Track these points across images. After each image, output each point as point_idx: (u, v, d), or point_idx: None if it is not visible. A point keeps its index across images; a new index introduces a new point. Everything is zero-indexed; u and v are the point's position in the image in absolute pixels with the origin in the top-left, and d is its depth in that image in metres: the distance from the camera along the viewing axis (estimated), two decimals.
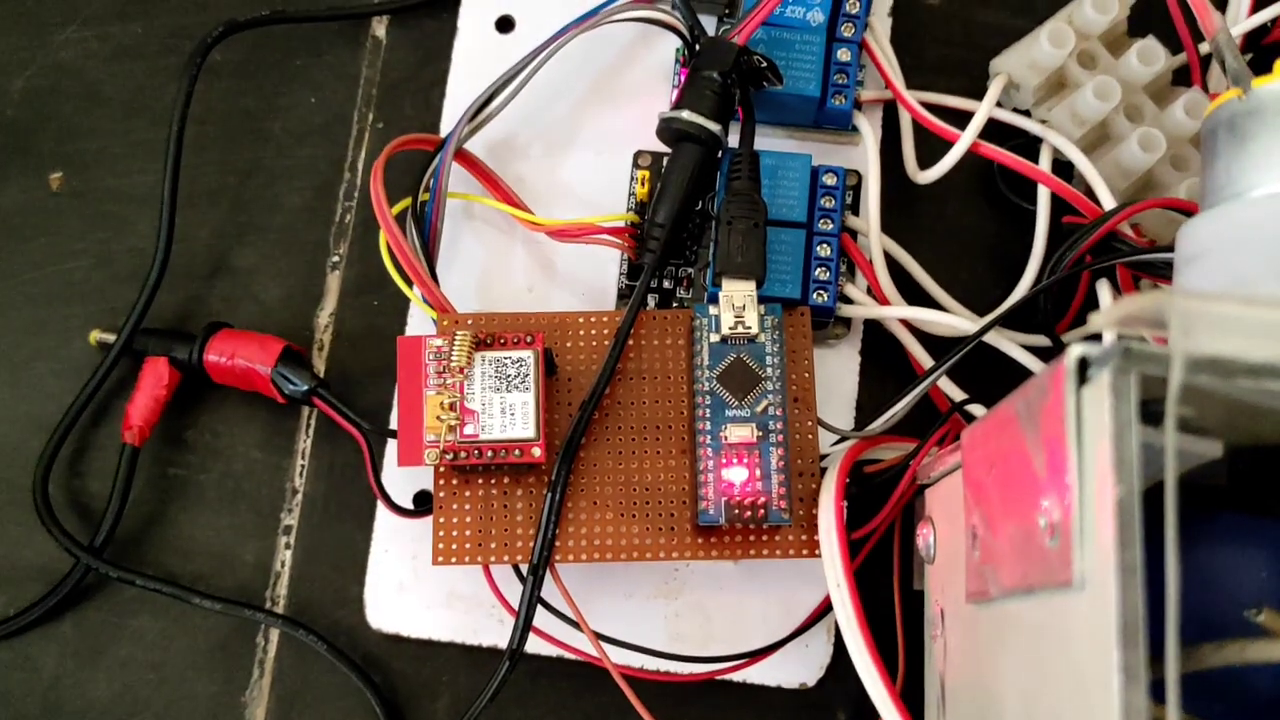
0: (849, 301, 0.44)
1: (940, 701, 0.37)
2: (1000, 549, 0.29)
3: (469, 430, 0.38)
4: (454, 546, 0.39)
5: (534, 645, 0.41)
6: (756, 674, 0.42)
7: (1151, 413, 0.24)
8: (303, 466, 0.45)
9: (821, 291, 0.42)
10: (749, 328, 0.40)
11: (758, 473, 0.39)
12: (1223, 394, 0.23)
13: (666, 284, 0.44)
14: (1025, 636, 0.28)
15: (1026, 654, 0.28)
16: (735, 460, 0.39)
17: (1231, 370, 0.22)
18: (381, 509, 0.43)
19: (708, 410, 0.40)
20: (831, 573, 0.37)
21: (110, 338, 0.44)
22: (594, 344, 0.41)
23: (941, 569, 0.37)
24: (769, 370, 0.40)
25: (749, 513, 0.38)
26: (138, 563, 0.44)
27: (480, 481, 0.40)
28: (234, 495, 0.44)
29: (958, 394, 0.43)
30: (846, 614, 0.36)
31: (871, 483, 0.42)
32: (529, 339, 0.39)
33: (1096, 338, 0.43)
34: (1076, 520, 0.24)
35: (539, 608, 0.39)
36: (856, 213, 0.45)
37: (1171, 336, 0.22)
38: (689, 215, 0.43)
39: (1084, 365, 0.24)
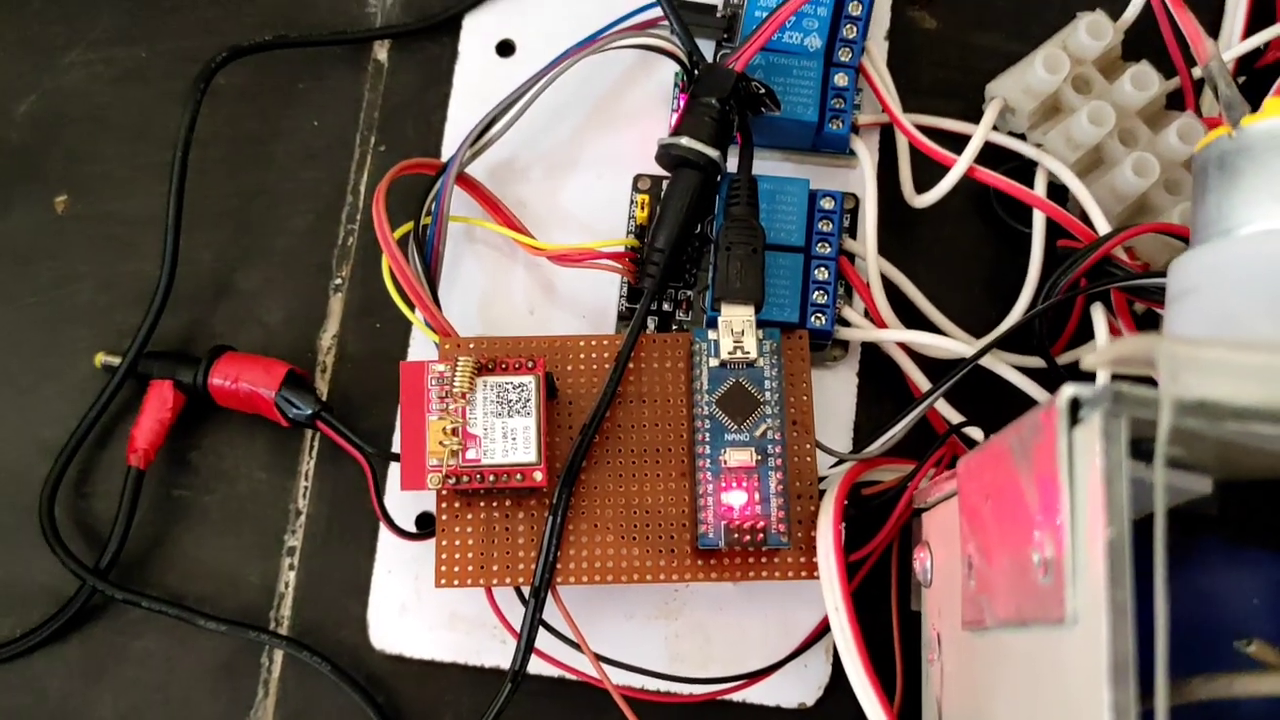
0: (846, 324, 0.44)
1: None
2: (995, 580, 0.29)
3: (471, 455, 0.39)
4: (457, 569, 0.40)
5: (535, 666, 0.41)
6: (756, 694, 0.43)
7: (1143, 450, 0.24)
8: (306, 488, 0.45)
9: (819, 315, 0.43)
10: (748, 353, 0.40)
11: (757, 496, 0.39)
12: (1212, 435, 0.23)
13: (666, 307, 0.45)
14: (1020, 667, 0.28)
15: (1021, 685, 0.28)
16: (734, 484, 0.39)
17: (1219, 413, 0.23)
18: (384, 531, 0.43)
19: (707, 434, 0.40)
20: (830, 596, 0.37)
21: (115, 360, 0.45)
22: (594, 367, 0.42)
23: (938, 593, 0.37)
24: (767, 394, 0.40)
25: (748, 536, 0.39)
26: (143, 584, 0.44)
27: (482, 505, 0.40)
28: (238, 517, 0.45)
29: (954, 416, 0.44)
30: (845, 638, 0.36)
31: (869, 504, 0.42)
32: (530, 364, 0.40)
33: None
34: (1069, 558, 0.24)
35: (540, 629, 0.40)
36: (854, 236, 0.45)
37: (1160, 381, 0.23)
38: (688, 240, 0.43)
39: (1075, 406, 0.25)
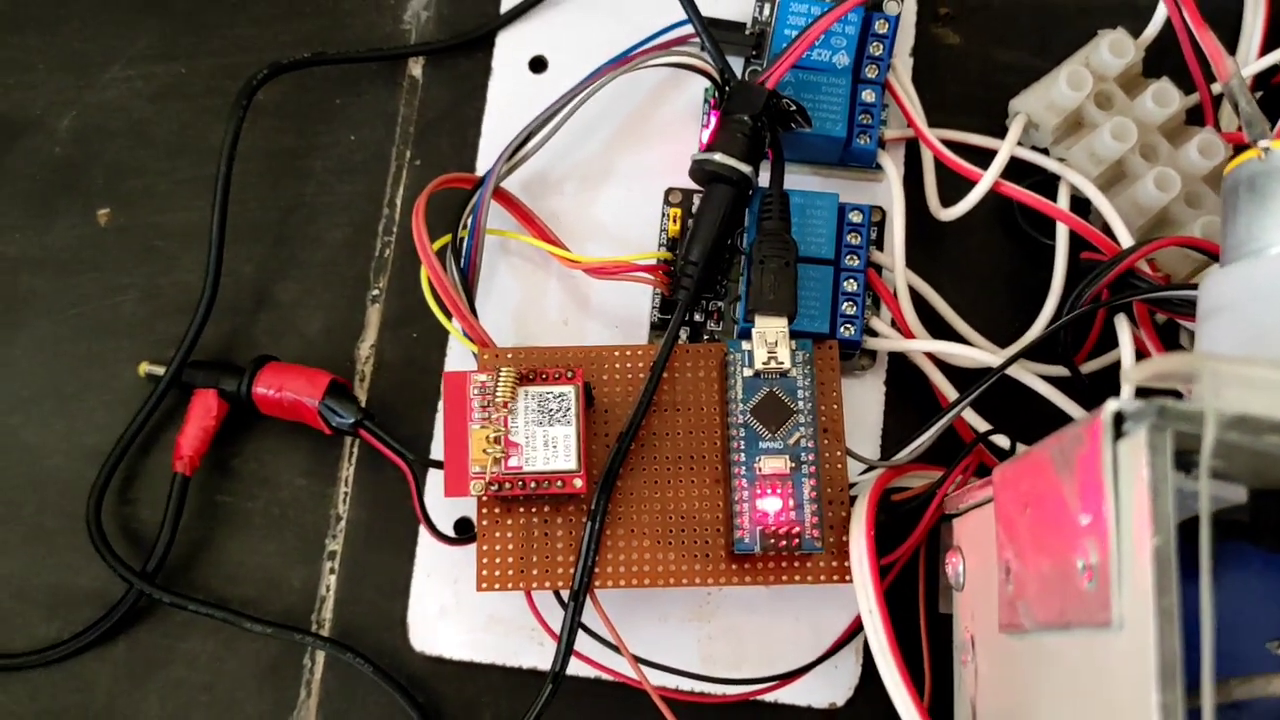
0: (874, 334, 0.45)
1: None
2: (1034, 585, 0.30)
3: (513, 462, 0.40)
4: (497, 573, 0.41)
5: (573, 667, 0.42)
6: (788, 695, 0.44)
7: (1182, 461, 0.25)
8: (346, 494, 0.46)
9: (848, 325, 0.44)
10: (781, 363, 0.41)
11: (791, 503, 0.40)
12: (1249, 447, 0.25)
13: (697, 317, 0.46)
14: (1061, 670, 0.30)
15: (1062, 686, 0.30)
16: (769, 491, 0.40)
17: (1260, 428, 0.24)
18: (424, 534, 0.44)
19: (742, 442, 0.41)
20: (864, 600, 0.38)
21: (159, 370, 0.46)
22: (629, 377, 0.43)
23: (971, 597, 0.38)
24: (800, 403, 0.41)
25: (784, 541, 0.40)
26: (188, 587, 0.45)
27: (521, 510, 0.41)
28: (280, 522, 0.46)
29: (980, 424, 0.45)
30: (879, 640, 0.37)
31: (898, 510, 0.43)
32: (570, 374, 0.41)
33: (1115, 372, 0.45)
34: (1115, 565, 0.26)
35: (578, 631, 0.41)
36: (881, 248, 0.46)
37: (1204, 396, 0.24)
38: (721, 253, 0.44)
39: (1119, 420, 0.26)
